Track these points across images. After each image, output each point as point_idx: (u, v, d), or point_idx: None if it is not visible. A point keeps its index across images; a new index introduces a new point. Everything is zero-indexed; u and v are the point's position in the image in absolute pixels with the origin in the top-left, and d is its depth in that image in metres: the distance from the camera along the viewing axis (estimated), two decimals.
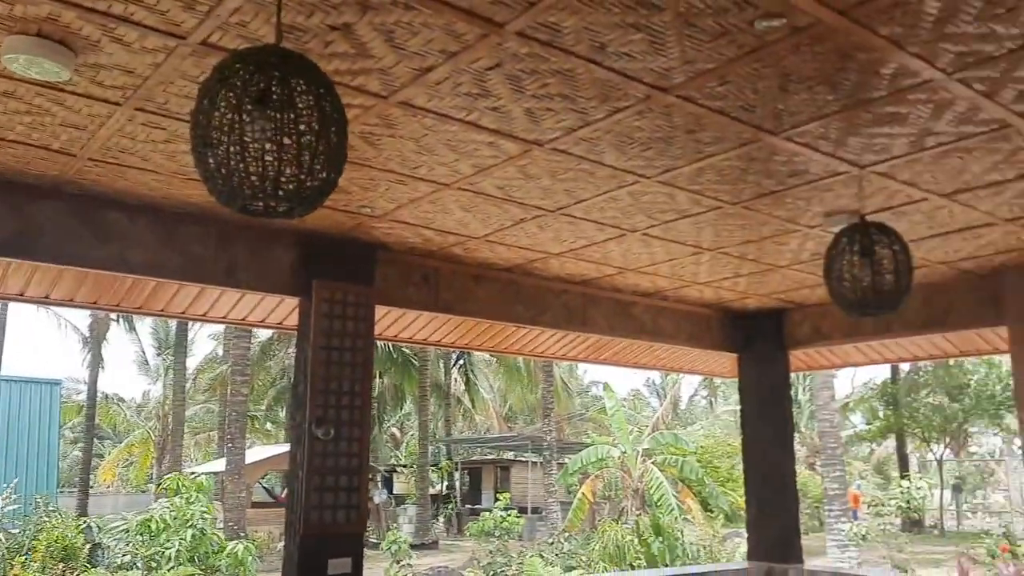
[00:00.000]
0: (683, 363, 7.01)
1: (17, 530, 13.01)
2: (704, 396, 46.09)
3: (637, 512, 16.53)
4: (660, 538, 11.90)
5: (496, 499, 16.73)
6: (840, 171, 3.45)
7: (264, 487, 26.78)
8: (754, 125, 3.02)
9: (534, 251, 4.71)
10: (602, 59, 2.55)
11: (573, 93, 2.77)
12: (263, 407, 32.89)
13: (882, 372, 32.11)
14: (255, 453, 24.24)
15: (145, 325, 37.41)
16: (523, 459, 32.65)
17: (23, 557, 11.54)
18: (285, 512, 4.31)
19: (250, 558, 11.54)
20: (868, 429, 33.02)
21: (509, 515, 15.56)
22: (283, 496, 25.00)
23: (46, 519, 12.77)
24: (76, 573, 11.21)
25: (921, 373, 28.17)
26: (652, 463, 17.05)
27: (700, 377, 41.49)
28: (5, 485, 15.04)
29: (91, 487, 26.81)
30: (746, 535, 6.65)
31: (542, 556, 13.17)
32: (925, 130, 3.05)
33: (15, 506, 14.35)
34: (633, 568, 11.94)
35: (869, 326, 5.74)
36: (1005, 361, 22.56)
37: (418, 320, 5.21)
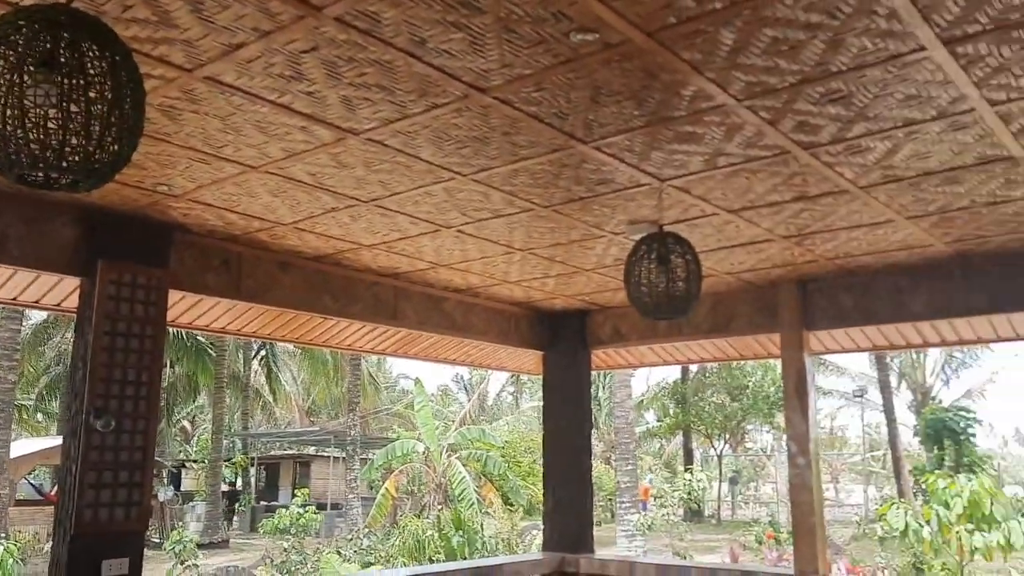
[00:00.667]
0: (492, 359, 7.14)
1: None
2: (511, 393, 47.30)
3: (439, 507, 16.70)
4: (460, 532, 12.09)
5: (294, 495, 16.22)
6: (643, 183, 3.65)
7: (32, 483, 24.47)
8: (566, 132, 3.13)
9: (345, 241, 4.61)
10: (422, 54, 2.54)
11: (392, 85, 2.74)
12: (33, 396, 29.99)
13: (674, 373, 34.38)
14: (22, 446, 22.06)
15: None
16: (325, 455, 32.01)
17: None
18: (55, 510, 3.94)
19: (11, 560, 10.49)
20: (659, 425, 35.31)
21: (306, 511, 15.20)
22: (53, 493, 22.94)
23: None
24: None
25: (707, 374, 30.50)
26: (456, 458, 17.27)
27: (508, 374, 42.54)
28: None
29: None
30: (543, 527, 6.89)
31: (339, 553, 12.96)
32: (718, 150, 3.29)
33: None
34: (432, 562, 12.04)
35: (663, 329, 6.13)
36: (778, 365, 24.86)
37: (217, 307, 4.95)
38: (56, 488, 23.03)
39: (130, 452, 3.93)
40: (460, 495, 15.30)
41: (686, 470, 30.66)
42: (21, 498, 22.31)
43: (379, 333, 5.95)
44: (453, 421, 26.13)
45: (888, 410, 29.00)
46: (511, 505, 17.53)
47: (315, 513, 15.66)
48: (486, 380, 41.78)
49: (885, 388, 29.47)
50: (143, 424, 3.97)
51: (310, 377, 34.37)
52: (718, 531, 25.94)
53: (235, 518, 28.24)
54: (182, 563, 12.11)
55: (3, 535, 14.06)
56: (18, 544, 12.12)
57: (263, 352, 32.47)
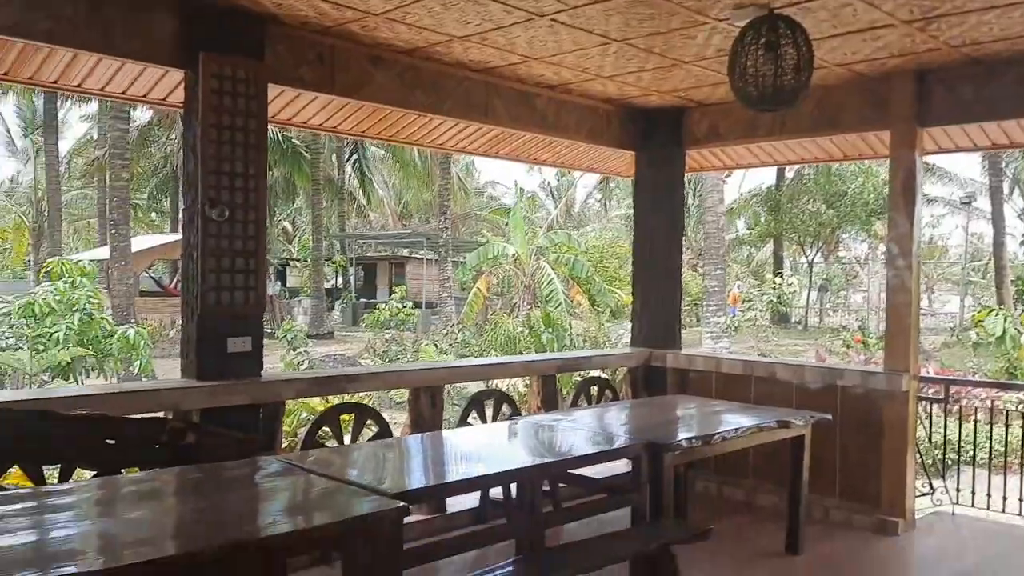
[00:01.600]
0: (583, 160, 7.05)
1: None
2: (597, 200, 47.10)
3: (528, 307, 17.30)
4: (549, 329, 12.58)
5: (391, 293, 17.04)
6: None
7: (152, 277, 26.36)
8: None
9: (437, 33, 4.50)
10: None
11: None
12: (145, 196, 31.64)
13: (768, 179, 33.41)
14: (140, 242, 23.62)
15: (8, 104, 34.58)
16: (418, 256, 33.14)
17: None
18: (181, 295, 4.27)
19: (143, 342, 11.55)
20: (749, 233, 34.87)
21: (404, 307, 15.98)
22: (172, 286, 24.73)
23: None
24: None
25: (804, 181, 29.54)
26: (544, 261, 17.63)
27: (595, 180, 42.22)
28: None
29: None
30: (630, 328, 7.08)
31: (436, 345, 13.73)
32: None
33: None
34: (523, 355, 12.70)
35: (763, 128, 5.89)
36: (882, 171, 23.81)
37: (312, 104, 4.99)
38: (175, 281, 24.80)
39: (243, 241, 4.15)
40: (548, 296, 15.77)
41: (776, 274, 30.53)
42: (144, 290, 24.16)
43: (470, 131, 5.92)
44: (541, 228, 26.42)
45: (997, 217, 27.85)
46: (597, 307, 18.01)
47: (412, 310, 16.43)
48: (573, 187, 41.63)
49: (996, 194, 28.14)
50: (253, 215, 4.16)
51: (401, 181, 34.94)
52: (804, 337, 26.16)
53: (337, 313, 30.03)
54: (294, 349, 13.11)
55: (133, 321, 15.40)
56: (147, 328, 13.27)
57: (355, 156, 32.98)
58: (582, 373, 7.14)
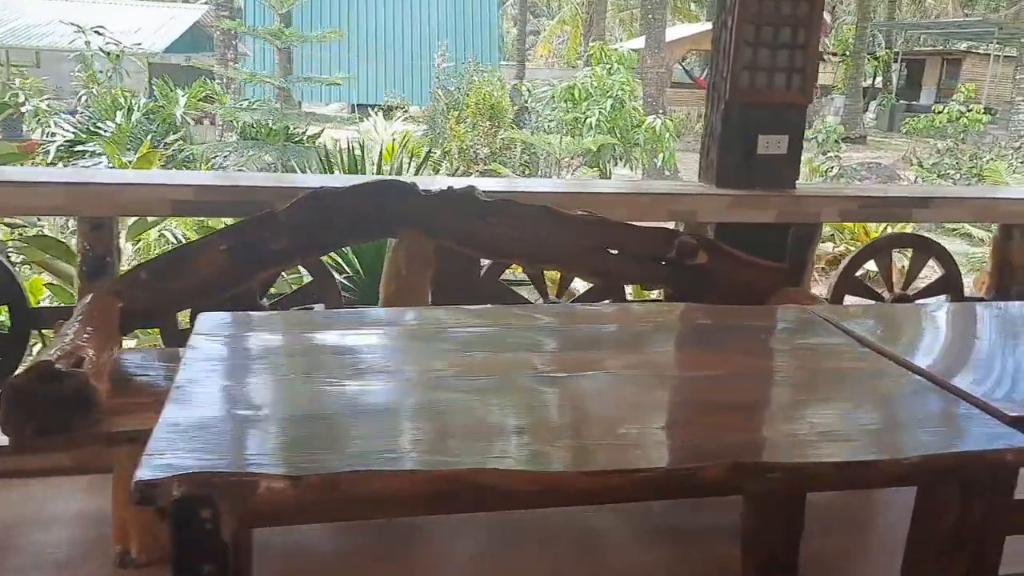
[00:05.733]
0: None
1: (454, 88, 14.11)
2: None
3: None
4: None
5: (939, 93, 13.97)
6: None
7: (683, 68, 26.24)
8: None
9: None
10: None
11: None
12: None
13: None
14: (675, 32, 23.36)
15: None
16: (982, 52, 27.57)
17: (457, 112, 12.54)
18: (710, 75, 3.42)
19: (668, 134, 11.28)
20: None
21: (971, 111, 12.97)
22: (702, 78, 24.30)
23: (475, 79, 13.53)
24: (502, 130, 11.93)
25: None
26: None
27: None
28: (440, 45, 16.11)
29: (527, 60, 28.66)
30: None
31: (1010, 163, 11.00)
32: None
33: (449, 64, 15.40)
34: None
35: None
36: None
37: None
38: (705, 72, 24.36)
39: (792, 4, 3.10)
40: None
41: None
42: (675, 81, 24.22)
43: None
44: None
45: None
46: None
47: (980, 114, 13.22)
48: None
49: None
50: None
51: None
52: None
53: (871, 115, 26.91)
54: (824, 153, 11.65)
55: (661, 112, 15.37)
56: (673, 120, 13.01)
57: None
58: None
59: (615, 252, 2.94)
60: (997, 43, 25.08)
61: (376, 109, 11.82)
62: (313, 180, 3.12)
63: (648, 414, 1.64)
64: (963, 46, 29.79)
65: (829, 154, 11.39)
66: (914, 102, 28.43)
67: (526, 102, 14.49)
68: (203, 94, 11.36)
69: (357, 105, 22.48)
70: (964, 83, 15.75)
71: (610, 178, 11.16)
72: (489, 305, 2.57)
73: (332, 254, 3.91)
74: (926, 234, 4.29)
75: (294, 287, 3.46)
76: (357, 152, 4.99)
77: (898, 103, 27.87)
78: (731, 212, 3.20)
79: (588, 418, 1.61)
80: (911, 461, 1.41)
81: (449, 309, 2.29)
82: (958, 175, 10.70)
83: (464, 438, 1.43)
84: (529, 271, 3.03)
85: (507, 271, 3.02)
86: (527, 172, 11.37)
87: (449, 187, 2.74)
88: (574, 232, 2.80)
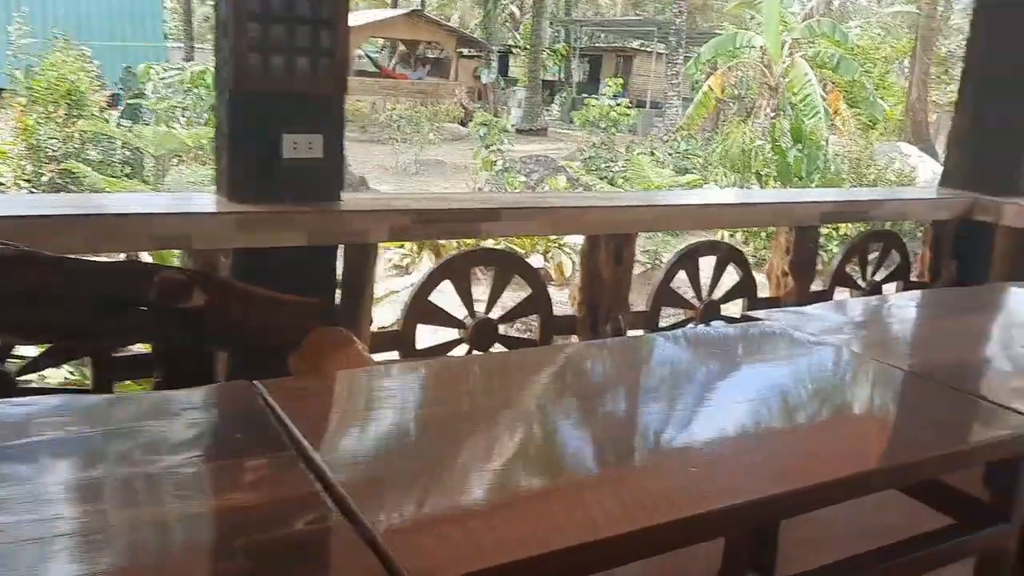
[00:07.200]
0: None
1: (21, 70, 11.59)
2: None
3: (771, 114, 14.35)
4: (799, 146, 9.89)
5: (608, 86, 14.62)
6: None
7: (369, 56, 25.45)
8: None
9: None
10: None
11: None
12: None
13: None
14: (359, 16, 22.51)
15: None
16: (647, 49, 29.98)
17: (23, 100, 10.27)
18: (216, 55, 2.57)
19: None
20: None
21: (619, 104, 13.56)
22: (389, 67, 23.68)
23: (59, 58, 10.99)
24: (81, 120, 9.93)
25: None
26: (800, 56, 14.31)
27: None
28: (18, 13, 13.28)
29: (205, 42, 26.25)
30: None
31: (653, 154, 11.53)
32: None
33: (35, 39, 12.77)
34: (759, 177, 10.17)
35: None
36: None
37: None
38: (392, 61, 23.70)
39: None
40: (803, 102, 12.65)
41: None
42: (359, 70, 23.38)
43: None
44: (796, 19, 22.27)
45: None
46: (864, 121, 14.37)
47: (629, 108, 13.85)
48: None
49: None
50: None
51: None
52: None
53: (556, 108, 28.12)
54: (486, 147, 11.40)
55: None
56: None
57: None
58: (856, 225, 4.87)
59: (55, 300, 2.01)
60: (659, 42, 27.25)
61: None
62: None
63: None
64: (636, 44, 32.15)
65: (491, 148, 11.20)
66: (593, 95, 30.15)
67: (148, 90, 12.38)
68: None
69: None
70: (622, 79, 16.60)
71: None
72: None
73: None
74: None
75: None
76: None
77: (578, 96, 29.41)
78: (241, 235, 2.40)
79: None
80: None
81: None
82: (614, 167, 11.04)
83: None
84: None
85: None
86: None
87: None
88: None
